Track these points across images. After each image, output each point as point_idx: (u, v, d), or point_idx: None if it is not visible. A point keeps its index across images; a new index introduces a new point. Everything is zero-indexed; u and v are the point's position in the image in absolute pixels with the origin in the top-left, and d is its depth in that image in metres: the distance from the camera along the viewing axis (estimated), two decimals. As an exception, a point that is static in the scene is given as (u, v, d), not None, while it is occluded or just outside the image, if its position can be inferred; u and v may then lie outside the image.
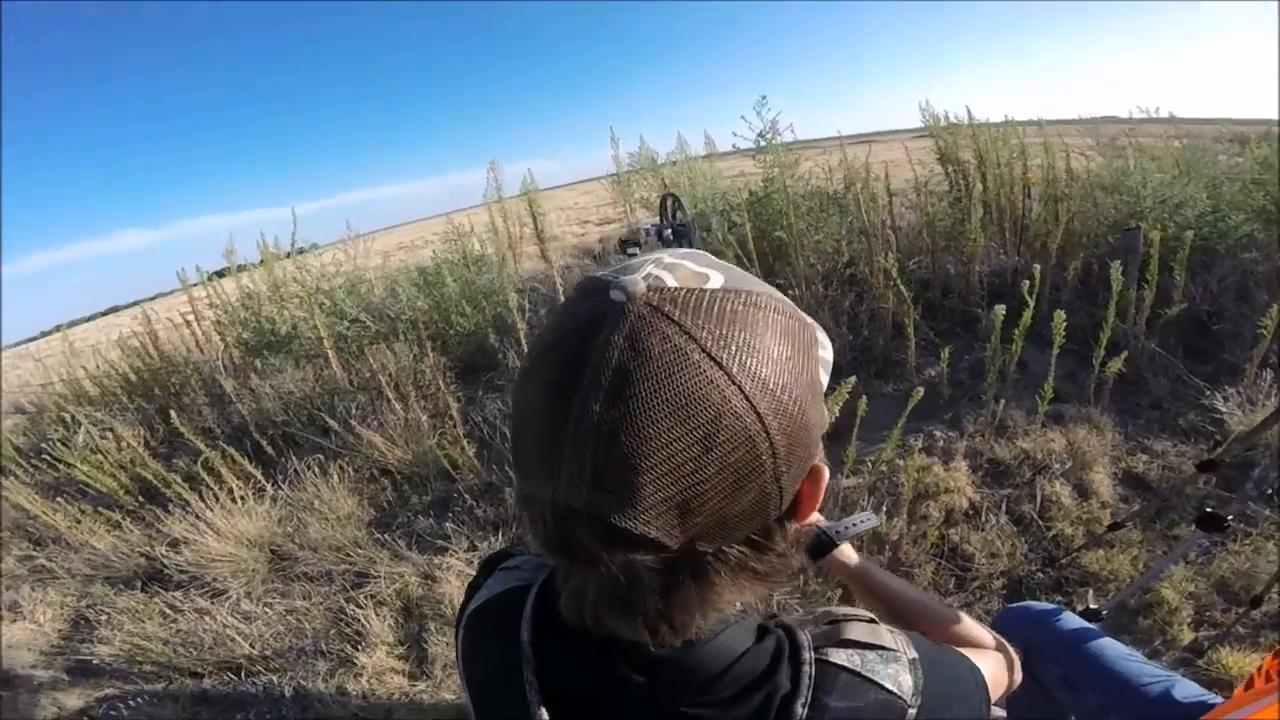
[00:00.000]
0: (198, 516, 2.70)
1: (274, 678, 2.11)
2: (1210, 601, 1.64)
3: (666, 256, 0.37)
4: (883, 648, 0.43)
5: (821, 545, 0.77)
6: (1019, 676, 0.62)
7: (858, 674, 0.41)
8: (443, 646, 2.09)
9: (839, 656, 0.42)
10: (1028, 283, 2.08)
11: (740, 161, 3.78)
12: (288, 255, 3.75)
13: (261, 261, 3.82)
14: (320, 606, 2.38)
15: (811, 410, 0.36)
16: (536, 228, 4.61)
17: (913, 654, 0.44)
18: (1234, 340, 2.27)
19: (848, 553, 0.80)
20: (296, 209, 3.44)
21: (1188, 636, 1.55)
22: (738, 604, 0.41)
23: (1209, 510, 1.03)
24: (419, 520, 2.71)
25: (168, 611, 2.45)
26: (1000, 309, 2.03)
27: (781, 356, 0.34)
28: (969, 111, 3.35)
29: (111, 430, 3.21)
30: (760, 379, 0.33)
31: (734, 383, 0.32)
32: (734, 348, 0.33)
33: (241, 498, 2.81)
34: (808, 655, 0.41)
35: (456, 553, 2.44)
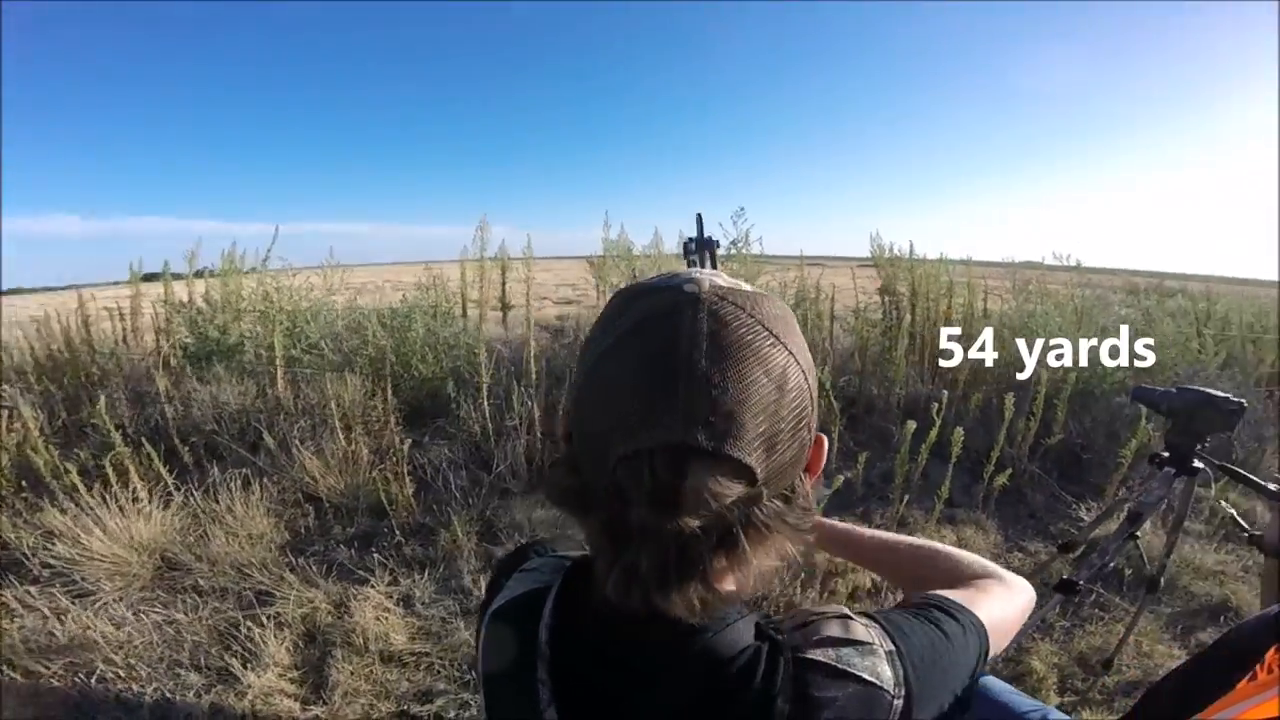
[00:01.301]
0: (83, 511, 2.49)
1: (134, 686, 1.93)
2: (1072, 672, 1.91)
3: (699, 271, 0.46)
4: (858, 642, 0.45)
5: None
6: (1029, 597, 0.65)
7: (835, 668, 0.43)
8: (347, 675, 1.99)
9: (816, 654, 0.44)
10: (936, 405, 2.46)
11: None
12: (252, 270, 3.78)
13: (219, 271, 3.81)
14: (206, 622, 2.22)
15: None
16: (503, 292, 4.82)
17: (889, 646, 0.46)
18: (1100, 468, 2.72)
19: (827, 519, 0.80)
20: (266, 228, 3.51)
21: (1055, 701, 1.77)
22: (770, 566, 0.44)
23: (1065, 578, 1.25)
24: (339, 550, 2.62)
25: (14, 605, 2.21)
26: (911, 425, 2.37)
27: (800, 337, 0.45)
28: (911, 246, 3.88)
29: (10, 409, 2.96)
30: (797, 349, 0.43)
31: (786, 349, 0.42)
32: (778, 327, 0.43)
33: (143, 499, 2.63)
34: (786, 654, 0.43)
35: (377, 586, 2.36)
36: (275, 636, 2.09)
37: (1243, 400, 1.22)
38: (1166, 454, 1.36)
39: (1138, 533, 1.45)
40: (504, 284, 4.68)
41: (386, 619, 2.22)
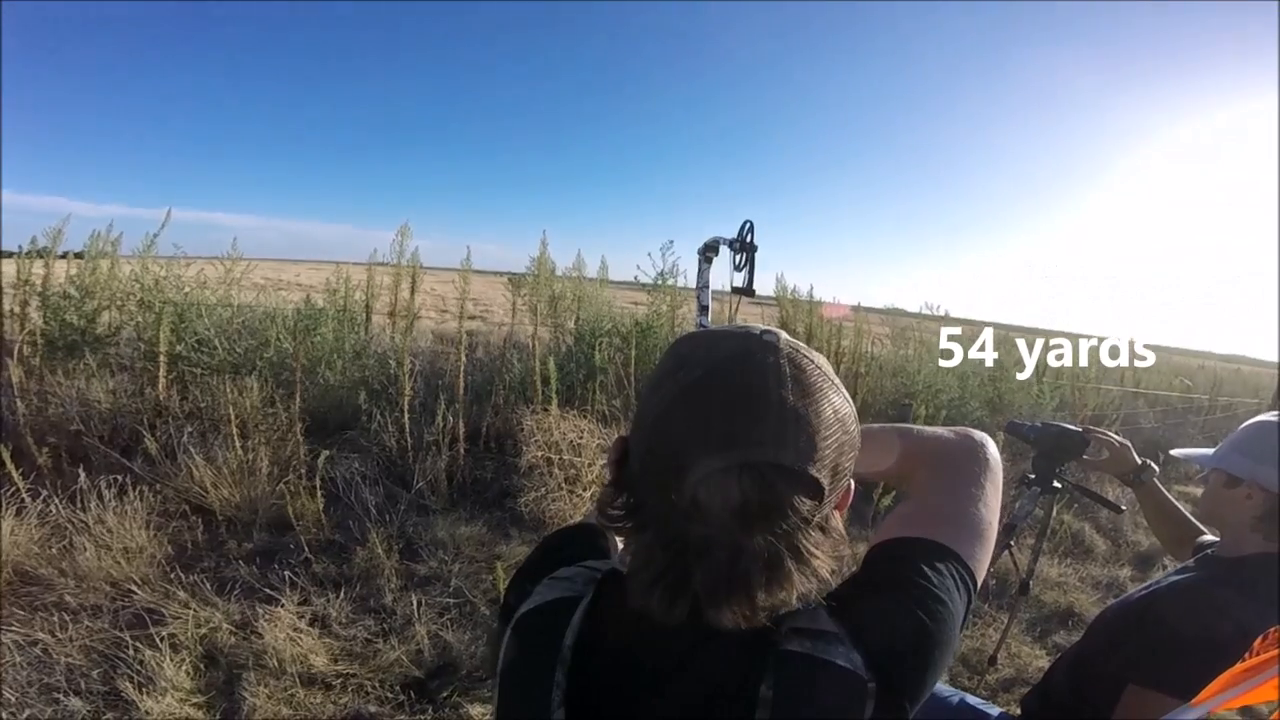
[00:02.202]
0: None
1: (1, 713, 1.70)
2: (959, 671, 2.20)
3: (760, 326, 0.51)
4: (827, 632, 0.46)
5: None
6: (993, 455, 0.64)
7: (813, 658, 0.45)
8: (264, 699, 1.85)
9: (794, 646, 0.45)
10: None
11: (635, 293, 4.34)
12: (132, 255, 3.39)
13: (88, 253, 3.39)
14: (79, 642, 1.98)
15: None
16: (410, 302, 4.66)
17: (860, 633, 0.47)
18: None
19: None
20: (125, 211, 3.20)
21: (943, 693, 2.05)
22: (806, 589, 0.47)
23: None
24: (237, 566, 2.42)
25: None
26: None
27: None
28: (811, 289, 4.35)
29: None
30: (847, 396, 0.50)
31: (842, 394, 0.48)
32: (833, 376, 0.49)
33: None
34: (770, 649, 0.45)
35: (287, 605, 2.20)
36: (171, 658, 1.89)
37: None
38: (1033, 476, 1.65)
39: (1011, 542, 1.75)
40: (413, 293, 4.54)
41: (301, 639, 2.08)
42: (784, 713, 0.43)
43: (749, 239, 1.19)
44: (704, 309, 1.34)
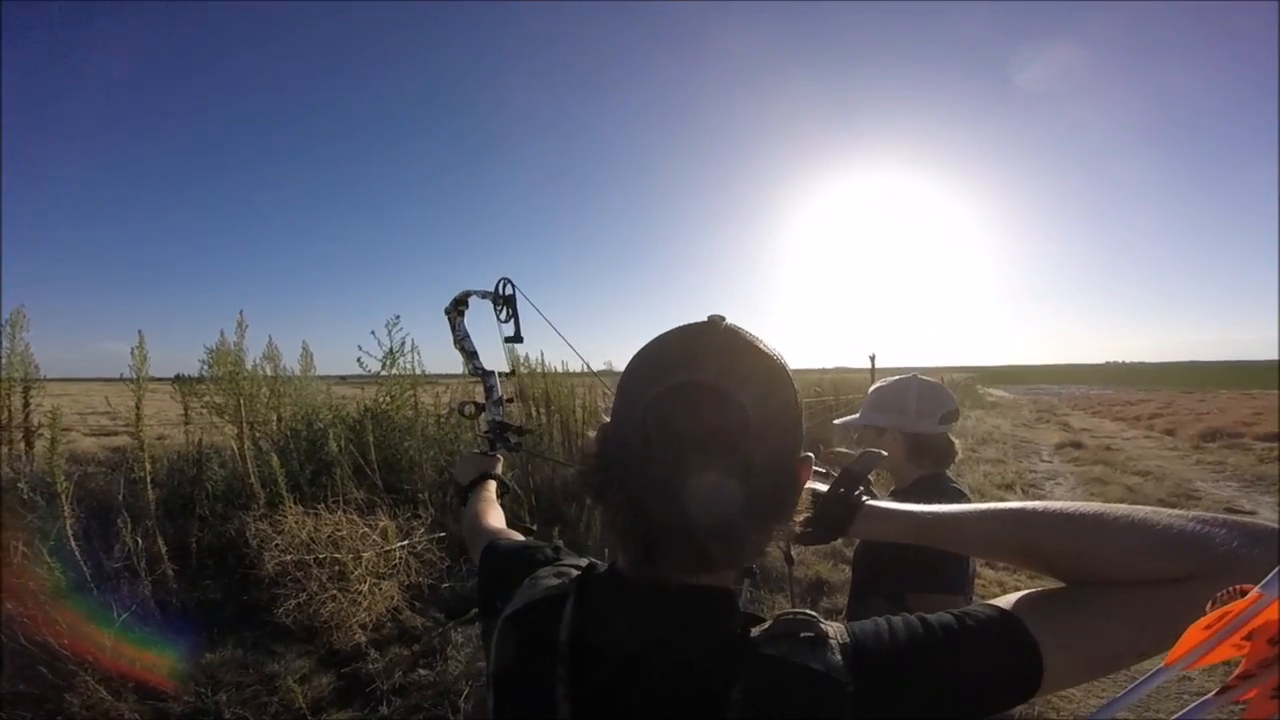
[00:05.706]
0: None
1: None
2: None
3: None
4: (811, 639, 0.47)
5: (844, 507, 0.62)
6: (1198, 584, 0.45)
7: (784, 660, 0.45)
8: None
9: (770, 650, 0.46)
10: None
11: (346, 389, 3.98)
12: None
13: None
14: None
15: None
16: (27, 420, 3.51)
17: (845, 639, 0.47)
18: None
19: (887, 505, 0.65)
20: None
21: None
22: (759, 541, 0.50)
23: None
24: None
25: None
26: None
27: None
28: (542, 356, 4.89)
29: None
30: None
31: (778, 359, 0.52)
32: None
33: None
34: (749, 652, 0.47)
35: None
36: None
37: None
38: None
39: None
40: (27, 407, 3.42)
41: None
42: (750, 713, 0.44)
43: (508, 292, 1.34)
44: (472, 354, 1.41)
